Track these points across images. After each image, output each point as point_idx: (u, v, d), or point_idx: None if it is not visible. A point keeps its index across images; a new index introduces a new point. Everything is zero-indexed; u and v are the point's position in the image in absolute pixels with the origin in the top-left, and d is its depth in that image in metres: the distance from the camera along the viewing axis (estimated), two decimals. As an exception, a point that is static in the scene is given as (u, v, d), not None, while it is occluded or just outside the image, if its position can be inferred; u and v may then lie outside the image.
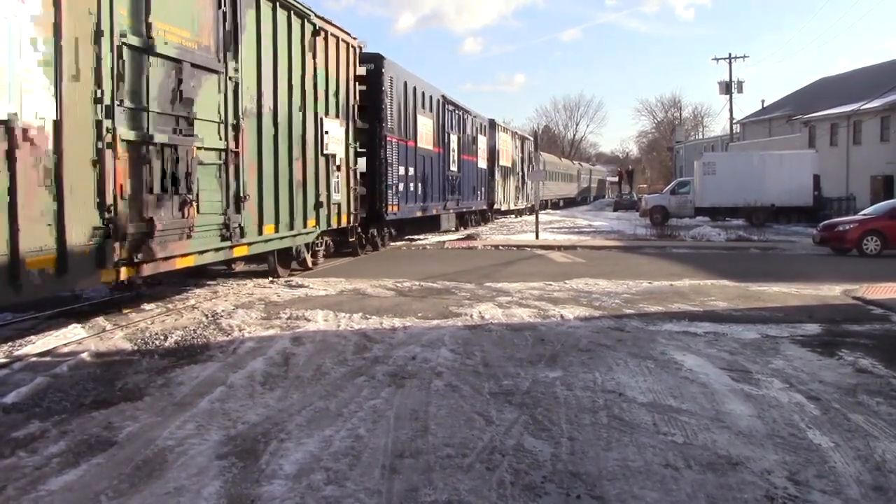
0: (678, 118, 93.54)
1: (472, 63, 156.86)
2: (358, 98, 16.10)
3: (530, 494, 4.10)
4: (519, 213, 44.44)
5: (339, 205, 14.96)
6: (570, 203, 68.44)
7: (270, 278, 13.15)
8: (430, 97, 23.40)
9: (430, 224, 25.07)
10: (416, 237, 24.63)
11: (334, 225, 14.87)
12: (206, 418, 5.36)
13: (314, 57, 13.53)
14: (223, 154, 10.33)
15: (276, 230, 12.05)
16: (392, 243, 21.32)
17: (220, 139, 10.25)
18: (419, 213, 22.28)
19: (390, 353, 7.43)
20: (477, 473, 4.37)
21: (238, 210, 10.62)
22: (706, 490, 4.15)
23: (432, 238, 24.65)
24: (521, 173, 42.36)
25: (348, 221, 15.65)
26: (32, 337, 8.22)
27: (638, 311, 10.01)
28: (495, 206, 35.17)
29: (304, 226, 13.18)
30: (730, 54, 55.19)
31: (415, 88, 21.39)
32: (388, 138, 18.50)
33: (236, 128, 10.54)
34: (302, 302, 10.59)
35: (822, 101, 46.81)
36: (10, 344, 7.93)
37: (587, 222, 37.51)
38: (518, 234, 27.24)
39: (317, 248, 14.61)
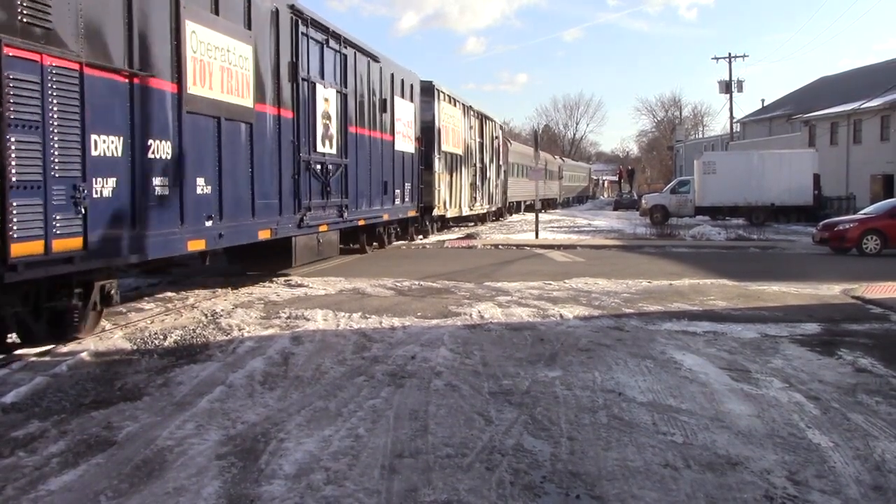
0: (678, 117, 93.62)
1: (475, 63, 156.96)
2: None
3: (530, 494, 4.10)
4: (480, 219, 32.96)
5: None
6: (549, 205, 55.11)
7: (270, 277, 13.14)
8: None
9: (270, 255, 12.72)
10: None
11: None
12: (205, 418, 5.36)
13: None
14: None
15: None
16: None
17: None
18: (198, 244, 9.62)
19: (390, 352, 7.43)
20: (476, 473, 4.37)
21: None
22: (705, 490, 4.15)
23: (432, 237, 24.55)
24: (479, 165, 30.06)
25: None
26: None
27: (637, 311, 10.01)
28: (436, 212, 23.66)
29: None
30: (729, 53, 55.34)
31: None
32: (8, 52, 6.49)
33: None
34: (301, 301, 10.59)
35: (823, 100, 46.81)
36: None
37: (587, 221, 37.51)
38: (518, 234, 27.21)
39: None
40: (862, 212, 22.00)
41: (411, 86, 20.31)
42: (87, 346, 7.65)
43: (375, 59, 17.01)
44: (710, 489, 4.16)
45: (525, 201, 46.43)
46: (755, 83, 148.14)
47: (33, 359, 7.17)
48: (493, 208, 34.78)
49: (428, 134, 22.35)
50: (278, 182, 11.93)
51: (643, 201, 39.86)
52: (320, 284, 12.35)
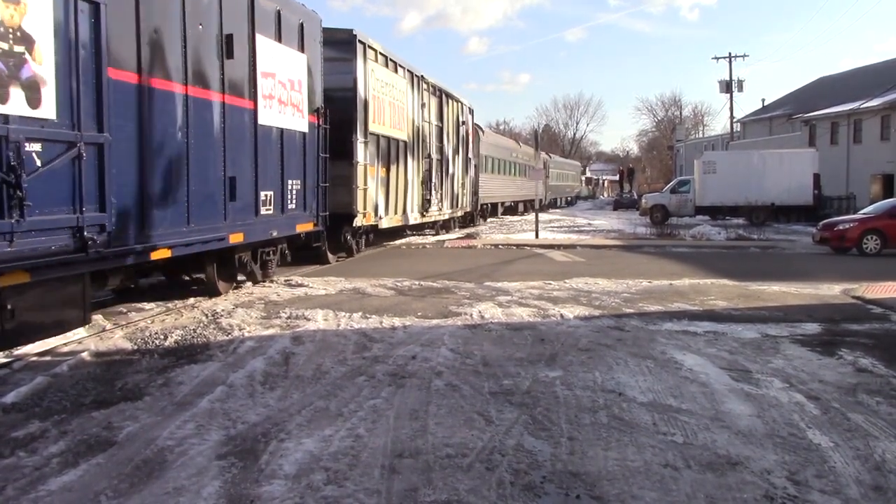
0: (678, 117, 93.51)
1: (477, 63, 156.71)
2: None
3: (530, 494, 4.10)
4: (443, 226, 25.86)
5: None
6: (532, 207, 41.44)
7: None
8: None
9: None
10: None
11: None
12: (205, 418, 5.36)
13: None
14: None
15: None
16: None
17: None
18: None
19: (390, 352, 7.43)
20: (476, 473, 4.37)
21: None
22: (706, 490, 4.15)
23: (431, 237, 24.51)
24: (436, 157, 22.73)
25: None
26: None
27: (638, 311, 10.01)
28: (361, 221, 16.33)
29: None
30: (730, 53, 55.29)
31: None
32: None
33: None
34: (302, 301, 10.59)
35: (823, 99, 46.79)
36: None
37: (587, 221, 37.49)
38: (518, 234, 27.18)
39: None
40: (862, 212, 22.00)
41: (301, 26, 12.42)
42: (87, 345, 7.65)
43: None
44: (711, 489, 4.16)
45: (504, 203, 39.27)
46: (755, 83, 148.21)
47: (34, 358, 7.18)
48: (459, 213, 27.15)
49: (343, 107, 15.29)
50: None
51: (643, 201, 39.83)
52: (320, 284, 12.35)
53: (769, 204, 34.22)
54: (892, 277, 13.46)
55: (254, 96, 10.82)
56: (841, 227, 20.00)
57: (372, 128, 16.58)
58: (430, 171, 21.91)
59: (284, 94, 11.82)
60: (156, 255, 8.72)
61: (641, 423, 5.27)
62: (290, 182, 12.14)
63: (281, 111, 11.70)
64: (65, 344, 7.77)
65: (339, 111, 14.79)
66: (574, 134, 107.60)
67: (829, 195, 36.64)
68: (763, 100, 73.34)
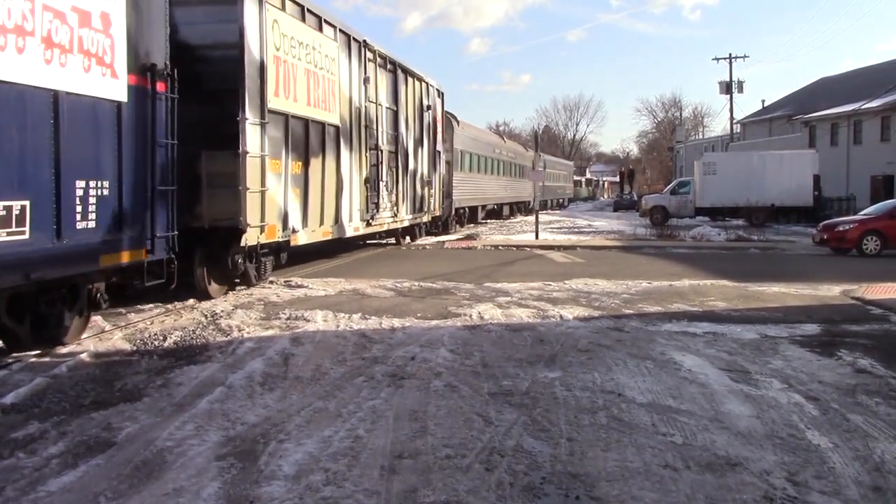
0: (678, 118, 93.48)
1: (478, 63, 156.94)
2: None
3: (529, 495, 4.10)
4: (404, 235, 21.74)
5: None
6: (520, 209, 42.24)
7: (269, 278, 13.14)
8: None
9: None
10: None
11: None
12: (205, 419, 5.36)
13: None
14: None
15: None
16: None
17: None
18: None
19: (389, 353, 7.43)
20: (476, 474, 4.37)
21: None
22: (705, 491, 4.15)
23: (432, 238, 24.48)
24: (388, 148, 17.76)
25: None
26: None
27: (637, 312, 10.01)
28: (256, 237, 10.88)
29: None
30: (730, 54, 55.23)
31: None
32: None
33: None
34: (301, 302, 10.59)
35: (823, 100, 46.81)
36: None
37: (587, 223, 37.51)
38: (518, 235, 27.17)
39: None
40: (862, 212, 22.00)
41: None
42: (86, 346, 7.65)
43: None
44: (710, 490, 4.16)
45: (485, 206, 34.04)
46: (756, 84, 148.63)
47: (33, 360, 7.18)
48: (426, 217, 22.18)
49: (224, 72, 10.53)
50: None
51: (643, 202, 39.86)
52: (320, 285, 12.35)
53: (769, 205, 34.22)
54: (892, 278, 13.45)
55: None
56: (841, 228, 20.00)
57: (274, 103, 11.48)
58: (378, 165, 16.80)
59: (63, 32, 6.94)
60: None
61: (641, 424, 5.27)
62: (80, 184, 7.26)
63: (53, 59, 6.80)
64: (63, 345, 7.76)
65: (216, 78, 10.44)
66: (574, 135, 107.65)
67: (829, 196, 36.68)
68: (763, 101, 73.38)
